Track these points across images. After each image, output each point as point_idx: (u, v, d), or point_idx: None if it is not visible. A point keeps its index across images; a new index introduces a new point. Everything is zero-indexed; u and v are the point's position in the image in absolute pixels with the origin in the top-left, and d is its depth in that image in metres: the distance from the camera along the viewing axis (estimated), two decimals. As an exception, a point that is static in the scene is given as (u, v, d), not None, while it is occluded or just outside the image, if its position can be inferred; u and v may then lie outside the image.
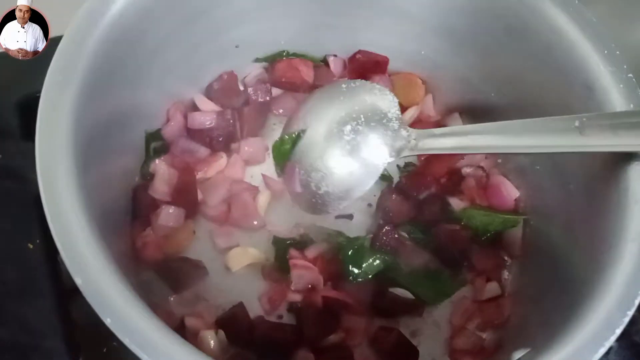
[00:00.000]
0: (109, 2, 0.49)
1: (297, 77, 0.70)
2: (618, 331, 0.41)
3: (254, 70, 0.71)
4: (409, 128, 0.54)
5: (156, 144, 0.64)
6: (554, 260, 0.57)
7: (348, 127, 0.53)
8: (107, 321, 0.37)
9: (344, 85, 0.57)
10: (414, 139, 0.53)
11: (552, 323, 0.46)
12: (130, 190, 0.62)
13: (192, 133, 0.66)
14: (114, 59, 0.50)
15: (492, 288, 0.63)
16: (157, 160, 0.63)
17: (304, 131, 0.55)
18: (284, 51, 0.70)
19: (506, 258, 0.65)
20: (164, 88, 0.63)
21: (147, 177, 0.63)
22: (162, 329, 0.38)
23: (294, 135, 0.55)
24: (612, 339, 0.40)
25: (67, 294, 0.57)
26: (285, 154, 0.56)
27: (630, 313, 0.41)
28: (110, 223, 0.53)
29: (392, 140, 0.53)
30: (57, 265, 0.57)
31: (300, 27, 0.68)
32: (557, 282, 0.54)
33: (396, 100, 0.56)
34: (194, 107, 0.67)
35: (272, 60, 0.71)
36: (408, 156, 0.55)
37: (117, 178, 0.59)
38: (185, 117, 0.66)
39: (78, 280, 0.38)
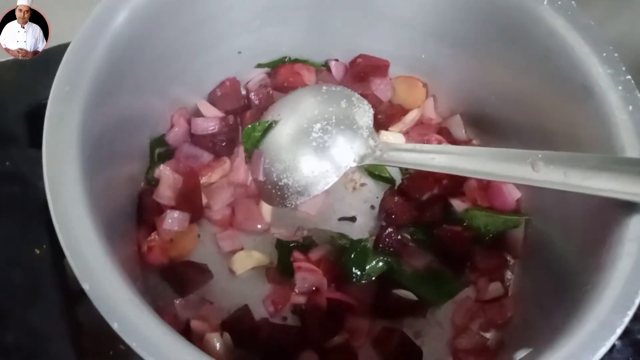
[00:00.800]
0: (114, 13, 0.50)
1: (299, 82, 0.70)
2: (619, 331, 0.41)
3: (257, 76, 0.72)
4: (377, 139, 0.56)
5: (160, 149, 0.65)
6: (555, 261, 0.57)
7: (318, 126, 0.55)
8: (115, 326, 0.38)
9: (324, 88, 0.59)
10: (380, 150, 0.55)
11: (554, 323, 0.47)
12: (135, 195, 0.63)
13: (196, 138, 0.67)
14: (119, 69, 0.51)
15: (495, 288, 0.63)
16: (161, 166, 0.64)
17: (276, 122, 0.57)
18: (285, 57, 0.71)
19: (509, 258, 0.66)
20: (168, 95, 0.64)
21: (152, 183, 0.64)
22: (169, 332, 0.39)
23: (266, 124, 0.57)
24: (612, 339, 0.41)
25: (74, 298, 0.58)
26: (255, 140, 0.58)
27: (631, 313, 0.42)
28: (116, 228, 0.54)
29: (358, 147, 0.55)
30: (64, 269, 0.58)
31: (302, 33, 0.68)
32: (558, 281, 0.54)
33: (371, 111, 0.58)
34: (198, 113, 0.68)
35: (274, 66, 0.72)
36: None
37: (122, 184, 0.59)
38: (189, 123, 0.67)
39: (86, 286, 0.39)
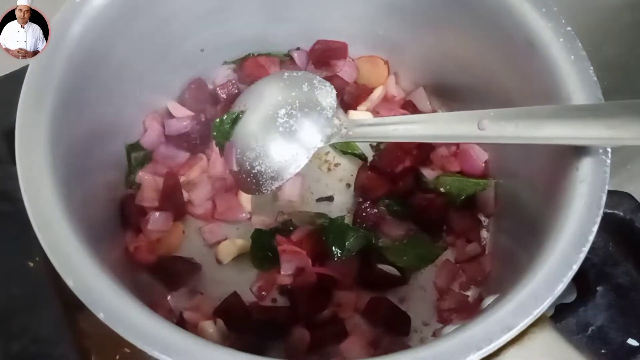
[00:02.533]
0: (69, 22, 0.52)
1: (264, 74, 0.72)
2: (575, 267, 0.43)
3: (223, 72, 0.74)
4: (342, 117, 0.59)
5: (137, 154, 0.67)
6: (524, 214, 0.59)
7: (283, 111, 0.57)
8: (101, 315, 0.40)
9: (286, 74, 0.61)
10: (345, 128, 0.57)
11: (522, 269, 0.49)
12: (118, 200, 0.65)
13: (171, 139, 0.69)
14: (82, 77, 0.53)
15: (472, 248, 0.66)
16: (140, 172, 0.66)
17: (243, 112, 0.59)
18: (249, 53, 0.73)
19: (482, 218, 0.68)
20: (137, 99, 0.65)
21: (134, 186, 0.66)
22: (153, 316, 0.41)
23: (233, 116, 0.59)
24: (570, 275, 0.43)
25: (74, 305, 0.60)
26: (224, 133, 0.60)
27: (585, 249, 0.44)
28: (100, 232, 0.56)
29: (324, 127, 0.57)
30: (61, 278, 0.60)
31: (260, 24, 0.70)
32: (527, 232, 0.56)
33: (334, 92, 0.60)
34: (170, 115, 0.70)
35: (239, 62, 0.74)
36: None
37: (102, 190, 0.61)
38: (162, 125, 0.69)
39: (69, 282, 0.42)
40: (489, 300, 0.48)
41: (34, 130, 0.47)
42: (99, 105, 0.58)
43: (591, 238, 0.45)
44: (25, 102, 0.48)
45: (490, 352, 0.40)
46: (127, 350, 0.62)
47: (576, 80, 0.51)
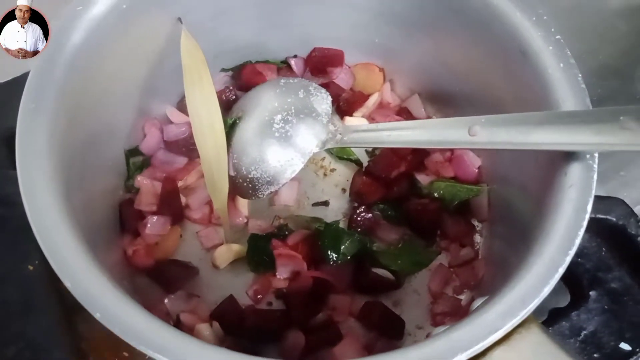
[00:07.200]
0: (70, 28, 0.53)
1: (261, 81, 0.73)
2: (561, 270, 0.44)
3: (221, 79, 0.75)
4: (337, 123, 0.60)
5: (135, 159, 0.68)
6: (516, 218, 0.60)
7: (279, 117, 0.58)
8: (97, 315, 0.41)
9: (282, 81, 0.62)
10: (340, 134, 0.58)
11: (512, 273, 0.50)
12: (116, 204, 0.66)
13: (169, 145, 0.70)
14: (82, 82, 0.54)
15: (465, 253, 0.67)
16: (139, 177, 0.67)
17: (240, 118, 0.60)
18: (247, 61, 0.74)
19: (476, 223, 0.69)
20: (136, 105, 0.66)
21: (132, 191, 0.67)
22: (148, 317, 0.42)
23: (229, 122, 0.60)
24: (556, 278, 0.44)
25: (72, 309, 0.61)
26: None
27: (572, 252, 0.45)
28: (99, 235, 0.57)
29: (319, 132, 0.59)
30: (59, 282, 0.61)
31: (258, 31, 0.71)
32: (519, 236, 0.57)
33: (329, 98, 0.61)
34: (168, 121, 0.71)
35: (237, 69, 0.75)
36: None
37: (101, 194, 0.62)
38: (161, 130, 0.70)
39: (67, 284, 0.42)
40: (477, 303, 0.48)
41: (34, 135, 0.48)
42: (98, 111, 0.59)
43: (577, 242, 0.45)
44: (25, 107, 0.49)
45: (477, 352, 0.41)
46: (125, 354, 0.63)
47: (565, 87, 0.52)
